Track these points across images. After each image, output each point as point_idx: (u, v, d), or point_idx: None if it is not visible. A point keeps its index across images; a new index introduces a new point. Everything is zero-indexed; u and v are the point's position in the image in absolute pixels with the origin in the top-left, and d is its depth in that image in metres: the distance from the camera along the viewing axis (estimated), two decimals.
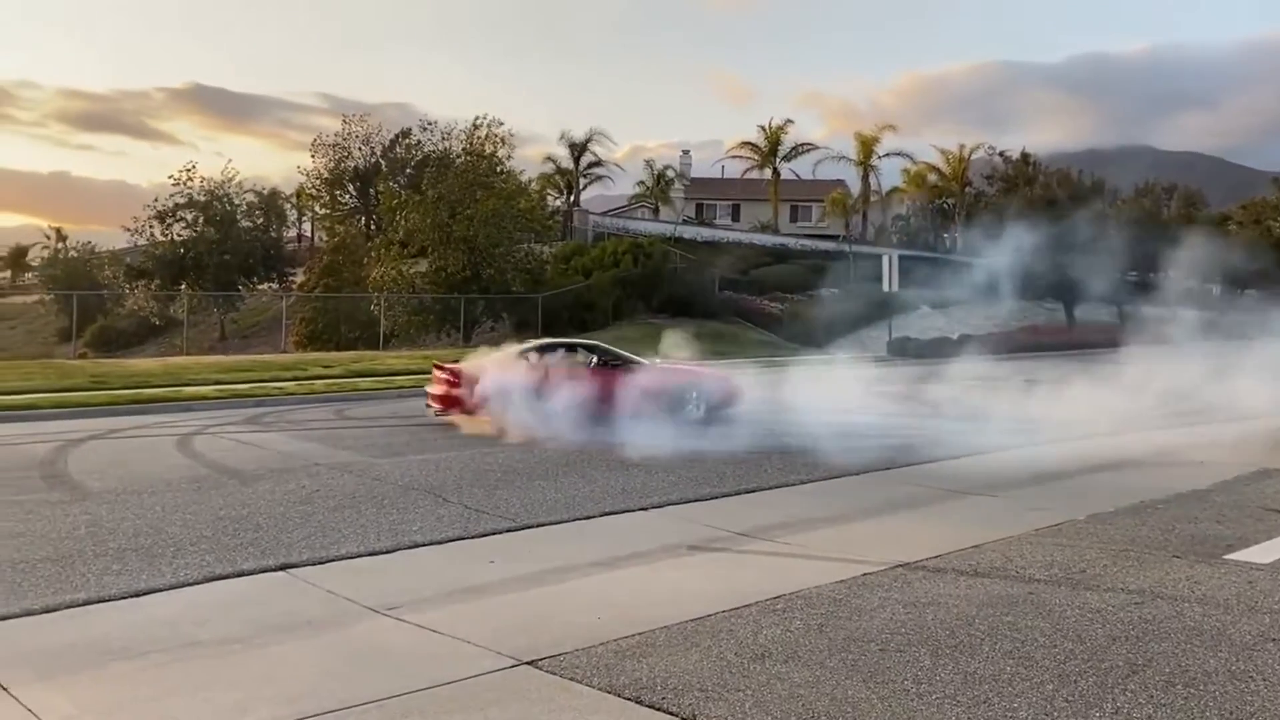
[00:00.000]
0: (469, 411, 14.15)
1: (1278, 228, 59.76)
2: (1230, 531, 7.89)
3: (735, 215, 65.60)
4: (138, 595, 6.25)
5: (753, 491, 9.86)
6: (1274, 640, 5.22)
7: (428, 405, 14.94)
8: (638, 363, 15.57)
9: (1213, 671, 4.79)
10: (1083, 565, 6.83)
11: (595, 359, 15.42)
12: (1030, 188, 54.26)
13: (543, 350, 15.60)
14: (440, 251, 35.64)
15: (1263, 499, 9.27)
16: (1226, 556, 7.10)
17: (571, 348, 16.08)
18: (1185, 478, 10.31)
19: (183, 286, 40.13)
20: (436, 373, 15.20)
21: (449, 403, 14.42)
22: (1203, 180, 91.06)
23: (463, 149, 39.36)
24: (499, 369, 14.52)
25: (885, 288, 31.96)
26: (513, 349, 15.97)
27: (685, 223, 55.86)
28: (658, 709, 4.43)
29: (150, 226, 40.63)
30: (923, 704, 4.42)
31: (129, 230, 41.00)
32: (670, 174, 62.97)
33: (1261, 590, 6.19)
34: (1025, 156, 59.03)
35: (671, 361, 16.82)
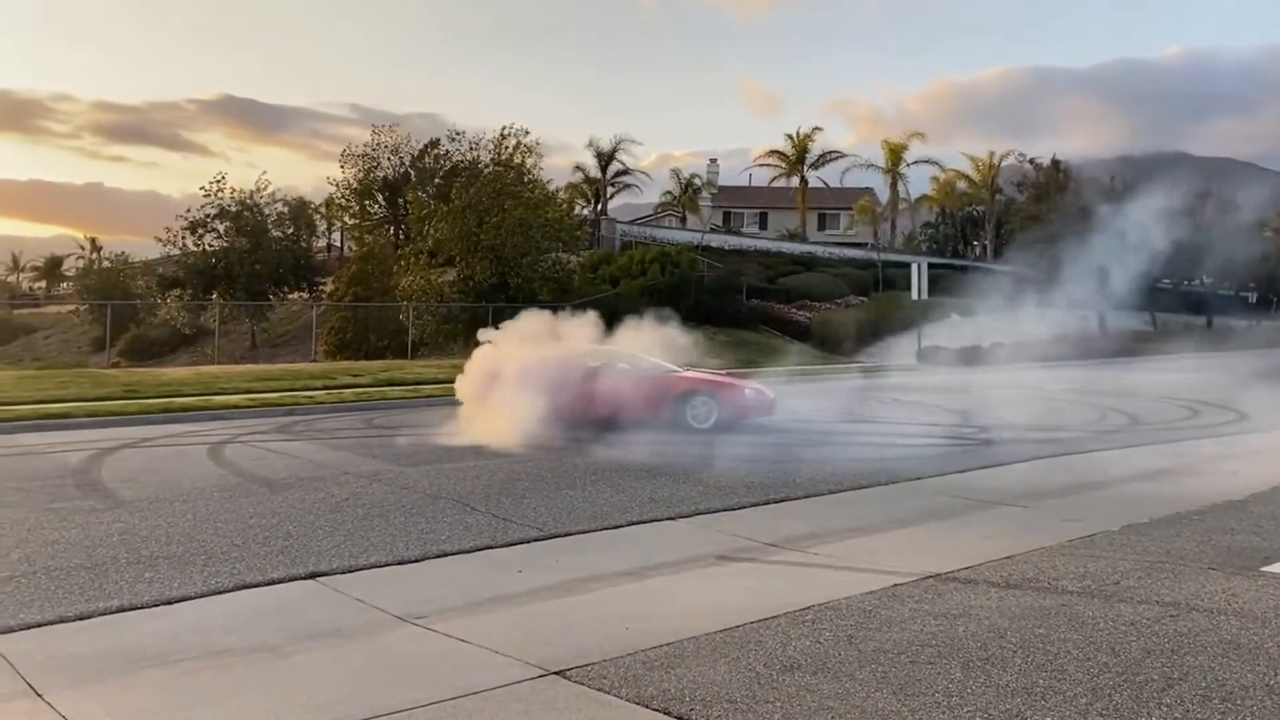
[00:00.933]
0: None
1: None
2: (1267, 543, 7.77)
3: (763, 223, 65.51)
4: (170, 603, 6.31)
5: (781, 501, 9.81)
6: None
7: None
8: (676, 370, 15.74)
9: (1249, 686, 4.71)
10: (1117, 577, 6.74)
11: (637, 365, 15.59)
12: (1062, 195, 53.77)
13: (590, 356, 15.87)
14: (468, 261, 35.82)
15: None
16: (1264, 569, 6.98)
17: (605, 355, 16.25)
18: (1220, 488, 10.16)
19: (214, 296, 40.55)
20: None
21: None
22: (1237, 186, 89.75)
23: (490, 159, 39.57)
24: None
25: (914, 296, 31.78)
26: (564, 352, 16.10)
27: (712, 231, 55.81)
28: None
29: (182, 237, 41.06)
30: (953, 717, 4.37)
31: (161, 241, 41.48)
32: (698, 182, 62.94)
33: None
34: (1056, 163, 58.59)
35: (706, 370, 16.98)
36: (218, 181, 41.46)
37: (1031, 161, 58.68)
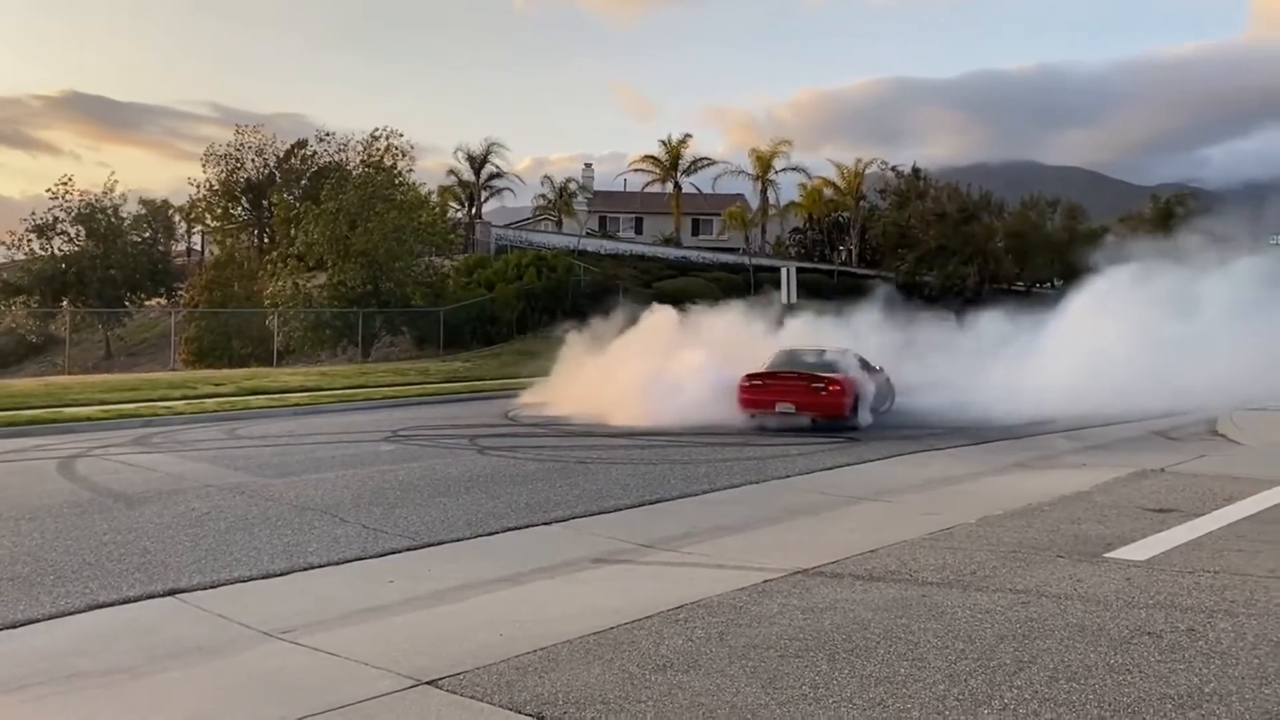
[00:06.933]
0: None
1: (1152, 240, 62.70)
2: (1110, 531, 8.24)
3: (638, 228, 66.01)
4: (13, 627, 5.97)
5: (656, 503, 9.91)
6: (1149, 634, 5.47)
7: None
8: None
9: (1093, 665, 4.99)
10: (973, 567, 7.05)
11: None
12: (921, 201, 55.92)
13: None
14: (339, 265, 34.99)
15: (1140, 499, 9.70)
16: (1107, 555, 7.41)
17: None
18: (1069, 480, 10.74)
19: (64, 303, 38.52)
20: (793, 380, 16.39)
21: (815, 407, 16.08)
22: (1083, 194, 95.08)
23: (361, 161, 38.76)
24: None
25: (784, 299, 32.54)
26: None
27: (589, 235, 55.94)
28: None
29: (28, 240, 38.90)
30: (819, 708, 4.50)
31: (4, 244, 39.22)
32: (572, 187, 62.99)
33: (1138, 586, 6.48)
34: (916, 171, 60.91)
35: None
36: (65, 183, 39.46)
37: (894, 169, 60.91)
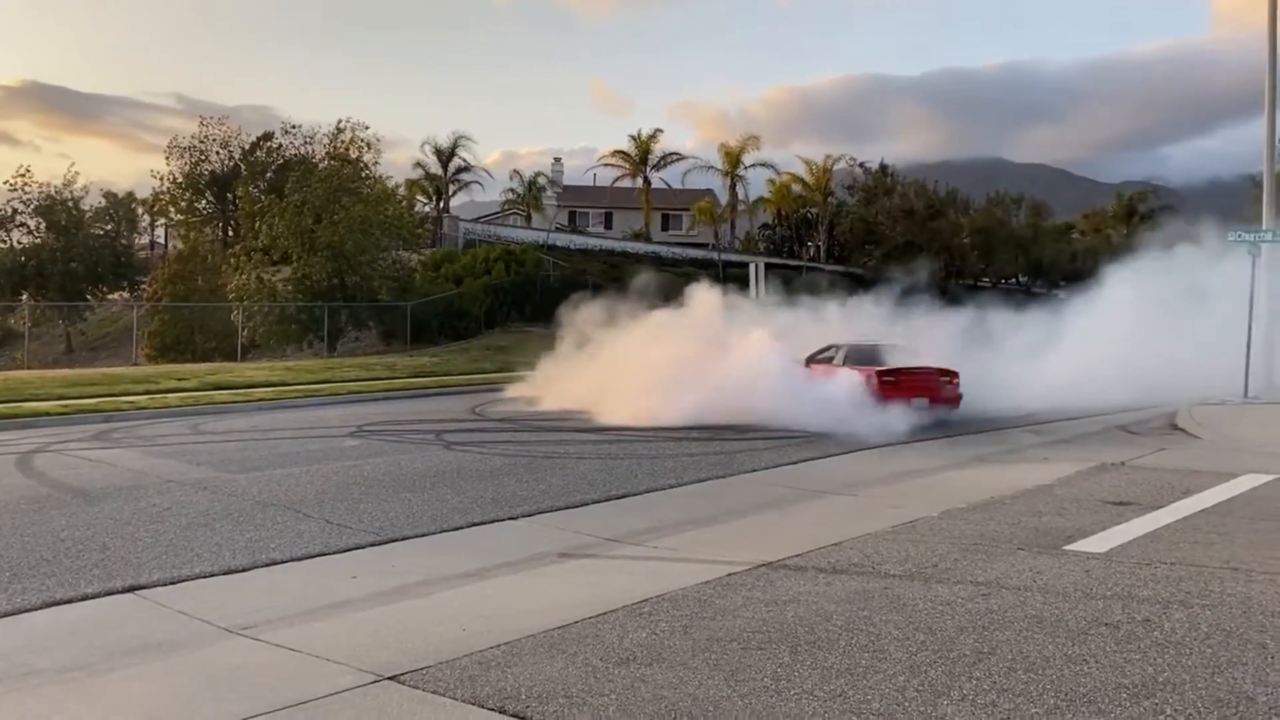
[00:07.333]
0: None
1: (1116, 236, 63.67)
2: (1070, 524, 8.35)
3: (608, 223, 65.90)
4: None
5: (623, 498, 9.92)
6: (1105, 624, 5.55)
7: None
8: None
9: (1050, 656, 5.06)
10: (935, 559, 7.12)
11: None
12: (889, 198, 56.30)
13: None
14: (304, 259, 34.67)
15: (1100, 492, 9.84)
16: (1066, 547, 7.51)
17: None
18: (1032, 474, 10.86)
19: (24, 297, 37.92)
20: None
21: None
22: (1048, 191, 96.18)
23: (326, 154, 38.41)
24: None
25: (753, 295, 32.61)
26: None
27: (558, 230, 55.78)
28: (521, 718, 4.40)
29: None
30: (781, 699, 4.53)
31: None
32: (542, 181, 62.77)
33: (1096, 578, 6.57)
34: (884, 168, 61.31)
35: None
36: (22, 175, 38.82)
37: (862, 166, 61.26)
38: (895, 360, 16.91)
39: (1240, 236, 18.70)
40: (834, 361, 17.40)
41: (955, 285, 51.67)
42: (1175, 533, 7.98)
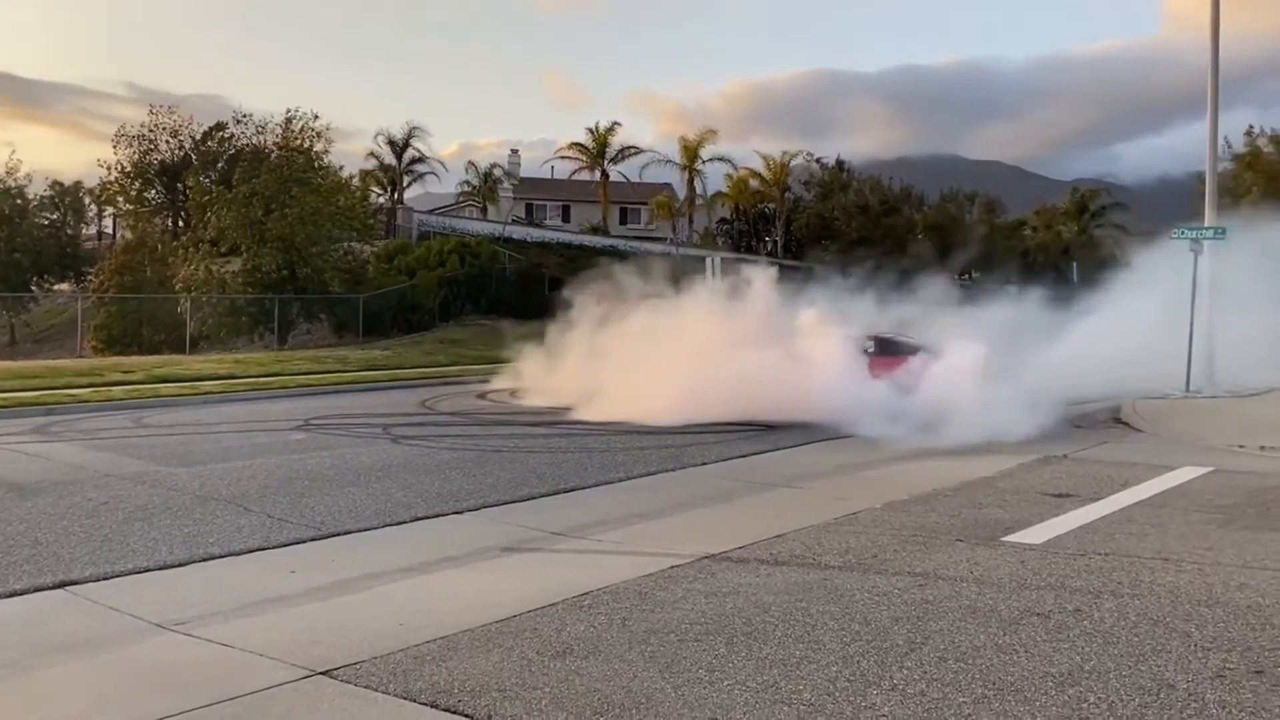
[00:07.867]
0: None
1: (1067, 232, 64.69)
2: (1010, 515, 8.47)
3: (565, 216, 65.73)
4: None
5: (571, 491, 9.90)
6: (1037, 614, 5.64)
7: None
8: None
9: (981, 646, 5.13)
10: (874, 551, 7.19)
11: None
12: (844, 194, 56.70)
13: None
14: (254, 250, 34.19)
15: (1041, 484, 9.99)
16: (1004, 539, 7.61)
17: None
18: (975, 466, 11.00)
19: None
20: None
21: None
22: (1002, 188, 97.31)
23: (275, 144, 37.89)
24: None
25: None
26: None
27: (515, 223, 55.53)
28: (453, 711, 4.39)
29: None
30: (714, 690, 4.55)
31: None
32: (498, 173, 62.49)
33: (1031, 569, 6.67)
34: (840, 164, 61.77)
35: None
36: None
37: (819, 161, 61.66)
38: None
39: (1183, 234, 19.05)
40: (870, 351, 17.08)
41: (909, 281, 52.14)
42: (1111, 524, 8.13)
